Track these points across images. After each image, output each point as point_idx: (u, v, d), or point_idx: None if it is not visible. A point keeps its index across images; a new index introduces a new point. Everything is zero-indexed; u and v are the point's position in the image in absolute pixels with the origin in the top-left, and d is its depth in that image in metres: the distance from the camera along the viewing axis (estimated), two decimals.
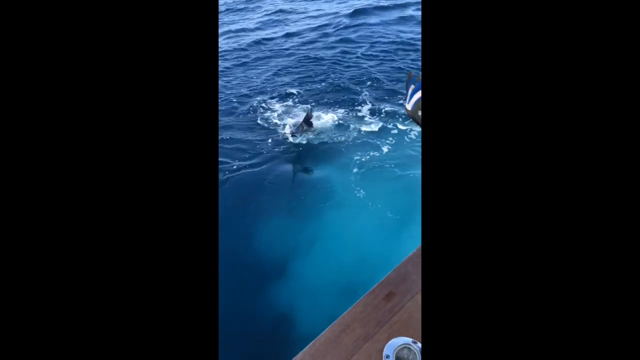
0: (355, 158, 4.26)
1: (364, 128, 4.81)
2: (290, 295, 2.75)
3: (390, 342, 0.78)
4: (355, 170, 4.07)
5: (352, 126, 4.87)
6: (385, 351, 0.77)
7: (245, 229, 3.36)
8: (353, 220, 3.39)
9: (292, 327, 2.54)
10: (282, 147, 4.59)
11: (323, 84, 6.11)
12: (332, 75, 6.37)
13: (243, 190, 3.88)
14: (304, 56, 7.19)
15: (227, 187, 3.89)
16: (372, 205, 3.52)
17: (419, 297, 0.88)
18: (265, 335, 2.52)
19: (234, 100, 5.79)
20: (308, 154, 4.47)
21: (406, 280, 0.92)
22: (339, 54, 7.17)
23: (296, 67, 6.79)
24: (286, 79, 6.37)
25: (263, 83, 6.32)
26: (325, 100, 5.61)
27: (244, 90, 6.09)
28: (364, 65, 6.62)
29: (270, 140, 4.72)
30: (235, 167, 4.22)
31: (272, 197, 3.79)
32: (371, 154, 4.31)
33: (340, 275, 2.83)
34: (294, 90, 5.95)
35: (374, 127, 4.80)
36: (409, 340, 0.78)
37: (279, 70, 6.73)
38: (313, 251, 3.10)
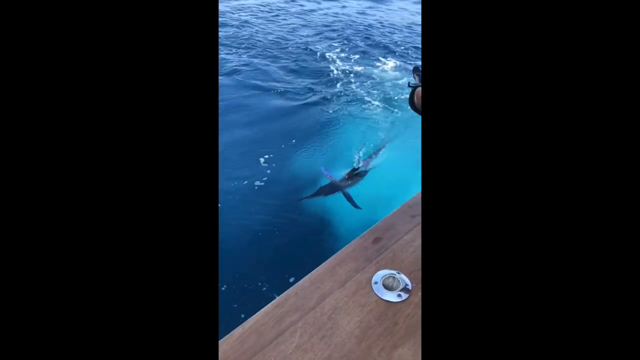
0: None
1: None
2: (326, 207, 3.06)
3: (377, 272, 0.92)
4: None
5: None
6: (374, 279, 0.90)
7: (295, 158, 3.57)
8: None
9: (331, 231, 2.87)
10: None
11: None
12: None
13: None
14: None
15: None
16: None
17: (402, 241, 1.02)
18: (311, 238, 2.82)
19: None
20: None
21: (391, 229, 1.06)
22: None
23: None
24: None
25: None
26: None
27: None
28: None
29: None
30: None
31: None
32: None
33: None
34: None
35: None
36: (394, 271, 0.92)
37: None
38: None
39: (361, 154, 3.68)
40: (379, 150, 3.74)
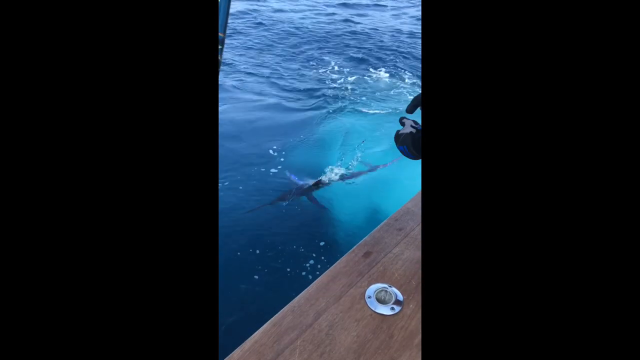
0: None
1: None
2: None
3: (370, 286, 0.95)
4: None
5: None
6: (367, 293, 0.93)
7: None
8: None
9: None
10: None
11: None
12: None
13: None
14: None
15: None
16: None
17: (391, 254, 1.05)
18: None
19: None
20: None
21: (380, 243, 1.10)
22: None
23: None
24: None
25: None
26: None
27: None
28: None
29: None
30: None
31: None
32: None
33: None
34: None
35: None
36: (385, 285, 0.95)
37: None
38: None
39: (337, 163, 3.79)
40: (353, 161, 3.86)
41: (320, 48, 7.13)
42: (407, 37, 8.05)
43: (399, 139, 1.03)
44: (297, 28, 8.18)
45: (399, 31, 8.46)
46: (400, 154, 1.04)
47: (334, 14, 9.56)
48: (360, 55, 6.81)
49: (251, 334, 0.86)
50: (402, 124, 1.05)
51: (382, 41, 7.67)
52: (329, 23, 8.69)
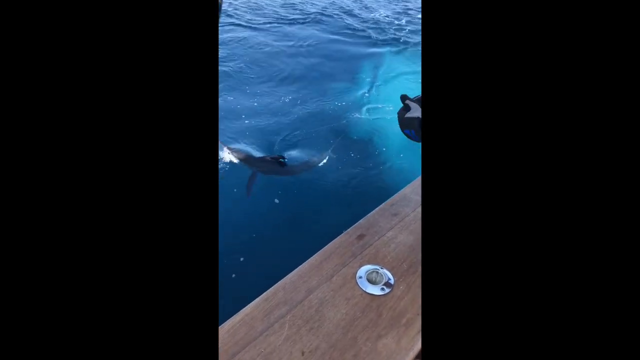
0: None
1: None
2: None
3: (362, 267, 0.96)
4: None
5: None
6: (358, 273, 0.95)
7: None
8: None
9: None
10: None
11: None
12: None
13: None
14: None
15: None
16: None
17: (384, 238, 1.07)
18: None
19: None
20: None
21: (374, 226, 1.11)
22: None
23: None
24: None
25: None
26: None
27: None
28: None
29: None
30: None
31: None
32: None
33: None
34: None
35: None
36: (377, 266, 0.97)
37: None
38: None
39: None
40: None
41: None
42: None
43: (405, 122, 0.95)
44: None
45: None
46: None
47: None
48: None
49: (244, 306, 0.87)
50: (407, 107, 0.97)
51: None
52: None
